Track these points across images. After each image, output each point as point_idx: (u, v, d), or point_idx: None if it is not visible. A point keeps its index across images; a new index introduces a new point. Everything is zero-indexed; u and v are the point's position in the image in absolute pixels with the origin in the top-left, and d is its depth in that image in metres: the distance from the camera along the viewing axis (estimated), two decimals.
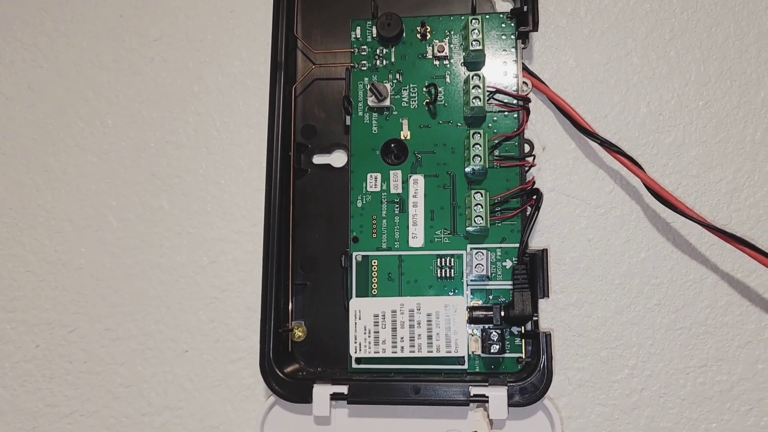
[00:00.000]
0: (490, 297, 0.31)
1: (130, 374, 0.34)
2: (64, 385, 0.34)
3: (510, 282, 0.31)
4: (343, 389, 0.30)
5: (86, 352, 0.34)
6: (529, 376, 0.29)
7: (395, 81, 0.33)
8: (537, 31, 0.32)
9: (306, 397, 0.30)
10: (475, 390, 0.29)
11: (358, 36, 0.34)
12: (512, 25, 0.33)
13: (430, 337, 0.31)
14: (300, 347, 0.33)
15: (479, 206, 0.30)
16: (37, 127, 0.36)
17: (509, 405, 0.29)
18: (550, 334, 0.30)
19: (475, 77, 0.31)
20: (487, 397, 0.29)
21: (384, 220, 0.32)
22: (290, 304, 0.33)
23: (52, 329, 0.35)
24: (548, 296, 0.30)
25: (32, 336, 0.35)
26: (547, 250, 0.30)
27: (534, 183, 0.32)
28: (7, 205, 0.36)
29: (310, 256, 0.33)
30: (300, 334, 0.33)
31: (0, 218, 0.36)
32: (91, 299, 0.35)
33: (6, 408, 0.34)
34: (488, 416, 0.29)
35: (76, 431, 0.34)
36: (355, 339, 0.31)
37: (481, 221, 0.30)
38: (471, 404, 0.29)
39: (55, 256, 0.35)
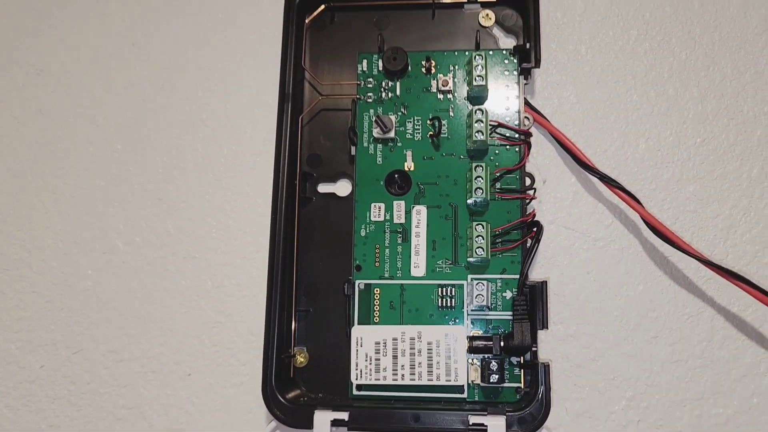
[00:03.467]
0: (490, 327, 0.32)
1: (132, 396, 0.34)
2: (66, 406, 0.35)
3: (510, 312, 0.32)
4: (344, 416, 0.31)
5: (90, 374, 0.35)
6: (527, 406, 0.30)
7: (400, 113, 0.34)
8: (539, 67, 0.33)
9: (307, 423, 0.31)
10: (474, 419, 0.30)
11: (365, 69, 0.35)
12: (515, 61, 0.34)
13: (430, 366, 0.31)
14: (302, 373, 0.33)
15: (480, 237, 0.31)
16: (47, 150, 0.37)
17: None
18: (548, 365, 0.30)
19: (477, 111, 0.32)
20: (486, 426, 0.29)
21: (387, 250, 0.33)
22: (293, 329, 0.33)
23: (56, 350, 0.35)
24: (547, 328, 0.31)
25: (37, 356, 0.35)
26: (546, 282, 0.31)
27: (534, 215, 0.32)
28: (15, 227, 0.36)
29: (313, 283, 0.34)
30: (302, 360, 0.33)
31: (8, 239, 0.36)
32: (95, 321, 0.35)
33: (9, 427, 0.35)
34: None
35: None
36: (357, 366, 0.32)
37: (482, 252, 0.31)
38: None
39: (61, 278, 0.36)
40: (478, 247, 0.31)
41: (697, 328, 0.33)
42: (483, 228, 0.31)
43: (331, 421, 0.31)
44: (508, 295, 0.32)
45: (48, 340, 0.35)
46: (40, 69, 0.38)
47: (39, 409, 0.35)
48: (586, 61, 0.35)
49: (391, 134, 0.33)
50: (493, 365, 0.31)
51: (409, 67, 0.34)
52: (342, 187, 0.34)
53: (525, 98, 0.34)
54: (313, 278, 0.34)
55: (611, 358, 0.33)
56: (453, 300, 0.32)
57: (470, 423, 0.30)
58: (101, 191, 0.36)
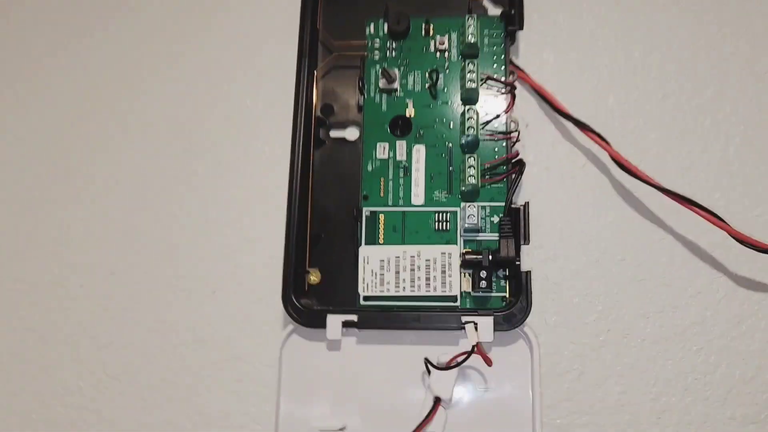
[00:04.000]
0: (480, 246, 0.37)
1: (164, 311, 0.39)
2: (105, 321, 0.39)
3: (497, 234, 0.37)
4: (354, 317, 0.35)
5: (125, 292, 0.39)
6: (512, 308, 0.35)
7: (403, 68, 0.39)
8: (522, 29, 0.39)
9: (321, 324, 0.35)
10: (466, 318, 0.34)
11: (372, 31, 0.40)
12: (502, 25, 0.39)
13: (428, 279, 0.36)
14: (315, 289, 0.38)
15: (472, 168, 0.36)
16: (91, 101, 0.42)
17: (495, 330, 0.34)
18: (530, 272, 0.35)
19: (470, 64, 0.38)
20: (477, 323, 0.34)
21: (390, 182, 0.38)
22: (308, 251, 0.38)
23: (95, 271, 0.40)
24: (528, 243, 0.36)
25: (78, 277, 0.40)
26: (528, 203, 0.36)
27: (518, 154, 0.38)
28: (63, 167, 0.41)
29: (326, 212, 0.38)
30: (315, 278, 0.38)
31: (55, 177, 0.41)
32: (132, 248, 0.40)
33: (51, 339, 0.39)
34: (478, 336, 0.34)
35: (114, 360, 0.38)
36: (364, 280, 0.36)
37: (473, 180, 0.36)
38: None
39: (101, 210, 0.40)
40: (470, 176, 0.36)
41: (659, 251, 0.38)
42: (474, 160, 0.36)
43: (343, 322, 0.35)
44: (496, 219, 0.37)
45: (88, 262, 0.40)
46: (99, 48, 0.43)
47: (79, 322, 0.39)
48: (563, 27, 0.41)
49: (395, 86, 0.39)
50: (483, 274, 0.35)
51: (411, 30, 0.40)
52: (351, 133, 0.39)
53: (510, 57, 0.39)
54: (326, 208, 0.38)
55: (584, 277, 0.38)
56: (448, 224, 0.37)
57: (463, 321, 0.34)
58: (137, 135, 0.41)
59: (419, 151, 0.38)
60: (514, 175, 0.37)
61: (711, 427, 0.36)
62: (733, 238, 0.35)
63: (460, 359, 0.33)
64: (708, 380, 0.36)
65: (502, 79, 0.38)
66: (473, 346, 0.32)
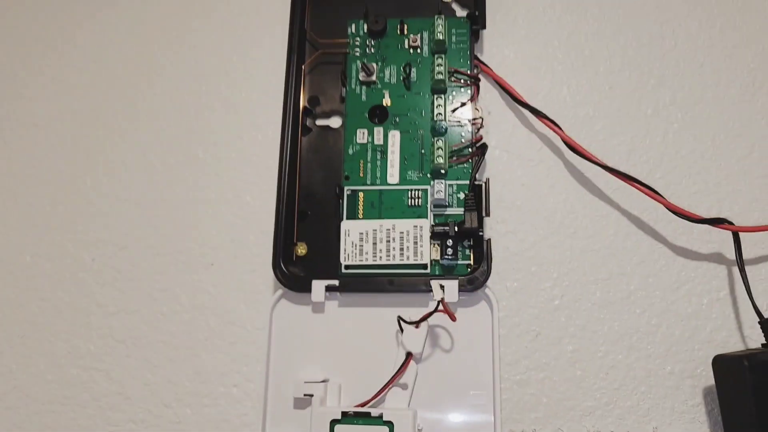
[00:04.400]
0: (448, 219, 0.41)
1: (166, 281, 0.43)
2: (113, 290, 0.43)
3: (462, 208, 0.41)
4: (336, 282, 0.40)
5: (132, 265, 0.44)
6: (474, 272, 0.39)
7: (380, 63, 0.44)
8: (485, 28, 0.43)
9: (306, 288, 0.40)
10: (434, 281, 0.39)
11: (354, 30, 0.45)
12: (467, 25, 0.44)
13: (402, 249, 0.41)
14: (302, 260, 0.42)
15: (440, 150, 0.41)
16: (102, 93, 0.47)
17: (459, 291, 0.39)
18: (490, 240, 0.40)
19: (439, 59, 0.42)
20: (444, 285, 0.39)
21: (369, 164, 0.43)
22: (295, 226, 0.42)
23: (105, 246, 0.44)
24: (489, 215, 0.40)
25: (89, 252, 0.44)
26: (489, 179, 0.41)
27: (482, 138, 0.42)
28: (74, 153, 0.46)
29: (312, 191, 0.43)
30: (302, 250, 0.42)
31: (68, 162, 0.45)
32: (138, 225, 0.44)
33: (64, 308, 0.43)
34: (443, 292, 0.38)
35: (121, 326, 0.43)
36: (345, 251, 0.41)
37: (441, 160, 0.41)
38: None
39: (110, 192, 0.45)
40: (438, 157, 0.41)
41: (607, 225, 0.42)
42: (442, 143, 0.41)
43: (326, 286, 0.40)
44: (461, 195, 0.41)
45: (99, 239, 0.44)
46: (105, 46, 0.48)
47: (90, 293, 0.43)
48: (522, 27, 0.46)
49: (374, 78, 0.44)
50: (449, 243, 0.40)
51: (388, 29, 0.44)
52: (334, 121, 0.44)
53: (475, 54, 0.44)
54: (312, 188, 0.43)
55: (541, 248, 0.42)
56: (419, 200, 0.42)
57: (431, 282, 0.39)
58: (144, 125, 0.46)
59: (395, 136, 0.43)
60: (477, 157, 0.42)
61: (653, 381, 0.40)
62: (670, 211, 0.40)
63: (427, 315, 0.37)
64: (650, 339, 0.41)
65: (468, 72, 0.43)
66: (438, 302, 0.37)
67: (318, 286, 0.40)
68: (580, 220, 0.43)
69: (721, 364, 0.38)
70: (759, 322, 0.38)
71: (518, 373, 0.41)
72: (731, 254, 0.40)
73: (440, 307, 0.37)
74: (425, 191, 0.42)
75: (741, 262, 0.39)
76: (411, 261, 0.40)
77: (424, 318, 0.37)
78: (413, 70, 0.44)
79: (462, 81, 0.43)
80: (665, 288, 0.41)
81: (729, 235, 0.40)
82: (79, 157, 0.46)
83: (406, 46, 0.44)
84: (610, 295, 0.41)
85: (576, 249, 0.42)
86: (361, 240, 0.41)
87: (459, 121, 0.43)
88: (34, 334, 0.43)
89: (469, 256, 0.41)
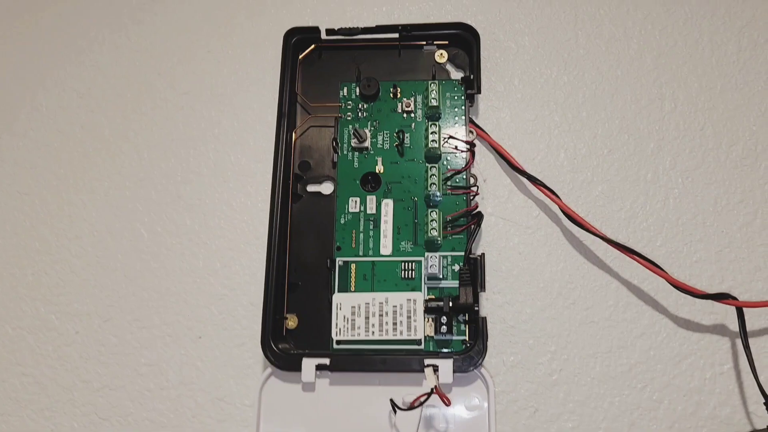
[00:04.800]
0: (442, 293, 0.40)
1: (152, 356, 0.42)
2: (97, 365, 0.42)
3: (457, 281, 0.40)
4: (327, 361, 0.39)
5: (117, 338, 0.42)
6: (469, 351, 0.38)
7: (372, 128, 0.43)
8: (480, 93, 0.42)
9: (296, 367, 0.39)
10: (428, 361, 0.38)
11: (345, 94, 0.44)
12: (462, 88, 0.43)
13: (395, 324, 0.39)
14: (292, 334, 0.41)
15: (434, 221, 0.40)
16: (86, 158, 0.45)
17: (454, 371, 0.37)
18: (485, 318, 0.38)
19: (432, 126, 0.41)
20: (438, 365, 0.37)
21: (361, 234, 0.41)
22: (285, 299, 0.41)
23: (90, 319, 0.43)
24: (485, 290, 0.39)
25: (73, 324, 0.43)
26: (484, 254, 0.40)
27: (477, 207, 0.41)
28: (58, 219, 0.44)
29: (302, 262, 0.42)
30: (292, 323, 0.41)
31: (52, 230, 0.44)
32: (123, 295, 0.43)
33: (47, 383, 0.42)
34: (437, 378, 0.37)
35: (105, 402, 0.41)
36: (336, 325, 0.40)
37: (435, 233, 0.40)
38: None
39: (95, 260, 0.44)
40: (432, 229, 0.40)
41: (606, 296, 0.41)
42: (436, 214, 0.40)
43: (316, 365, 0.39)
44: (456, 268, 0.40)
45: (83, 311, 0.43)
46: (81, 93, 0.47)
47: (74, 367, 0.42)
48: (518, 90, 0.45)
49: (366, 144, 0.42)
50: (444, 319, 0.39)
51: (380, 93, 0.43)
52: (326, 187, 0.43)
53: (470, 117, 0.43)
54: (303, 258, 0.42)
55: (538, 320, 0.41)
56: (413, 272, 0.40)
57: (426, 363, 0.38)
58: (130, 191, 0.45)
59: (387, 205, 0.42)
60: (473, 226, 0.41)
61: None
62: (673, 285, 0.39)
63: (421, 400, 0.36)
64: (652, 416, 0.39)
65: (463, 137, 0.42)
66: (432, 388, 0.36)
67: (308, 364, 0.39)
68: (579, 291, 0.41)
69: None
70: (764, 403, 0.37)
71: None
72: (735, 327, 0.39)
73: (434, 391, 0.36)
74: (419, 263, 0.41)
75: (745, 339, 0.38)
76: (404, 336, 0.39)
77: (418, 404, 0.36)
78: (407, 136, 0.43)
79: (457, 147, 0.42)
80: (667, 361, 0.40)
81: (732, 307, 0.39)
82: (63, 225, 0.44)
83: (399, 110, 0.43)
84: (610, 369, 0.40)
85: (574, 321, 0.41)
86: (353, 314, 0.40)
87: (454, 189, 0.41)
88: (16, 411, 0.42)
89: (465, 331, 0.40)
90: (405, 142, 0.42)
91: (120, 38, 0.48)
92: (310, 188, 0.43)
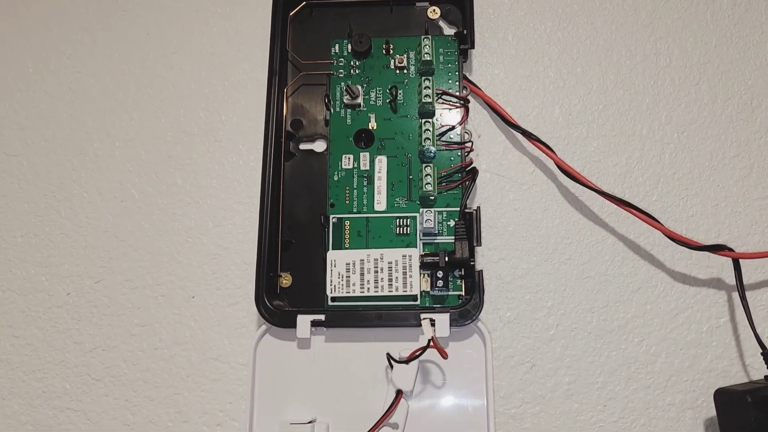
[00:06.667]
0: (438, 248, 0.40)
1: (145, 316, 0.41)
2: (89, 326, 0.41)
3: (452, 237, 0.40)
4: (321, 317, 0.38)
5: (109, 299, 0.42)
6: (466, 305, 0.38)
7: (365, 85, 0.42)
8: (474, 48, 0.42)
9: (291, 324, 0.38)
10: (424, 315, 0.37)
11: (337, 51, 0.43)
12: (455, 44, 0.42)
13: (390, 280, 0.39)
14: (286, 292, 0.40)
15: (429, 176, 0.39)
16: (75, 120, 0.45)
17: (451, 325, 0.37)
18: (482, 271, 0.38)
19: (426, 81, 0.41)
20: (435, 319, 0.37)
21: (355, 191, 0.41)
22: (279, 257, 0.41)
23: (81, 280, 0.42)
24: (480, 244, 0.39)
25: (64, 285, 0.42)
26: (479, 207, 0.39)
27: (472, 162, 0.41)
28: (47, 181, 0.44)
29: (296, 220, 0.41)
30: (286, 281, 0.40)
31: (42, 191, 0.44)
32: (115, 256, 0.42)
33: (39, 345, 0.41)
34: (434, 331, 0.36)
35: (98, 363, 0.41)
36: (331, 282, 0.39)
37: (430, 188, 0.39)
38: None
39: (85, 221, 0.43)
40: (426, 184, 0.39)
41: (602, 251, 0.41)
42: (431, 169, 0.40)
43: (311, 321, 0.38)
44: (451, 223, 0.40)
45: (74, 272, 0.42)
46: (69, 54, 0.46)
47: (65, 329, 0.41)
48: (512, 46, 0.44)
49: (359, 101, 0.42)
50: (439, 274, 0.39)
51: (372, 49, 0.43)
52: (318, 145, 0.42)
53: (464, 74, 0.42)
54: (296, 215, 0.41)
55: (534, 275, 0.41)
56: (408, 228, 0.40)
57: (422, 317, 0.37)
58: (120, 152, 0.44)
59: (381, 162, 0.41)
60: (468, 182, 0.40)
61: (653, 413, 0.39)
62: (669, 238, 0.39)
63: (418, 353, 0.36)
64: (649, 369, 0.39)
65: (457, 93, 0.42)
66: (429, 341, 0.35)
67: (303, 321, 0.38)
68: (575, 246, 0.41)
69: (724, 397, 0.36)
70: (762, 354, 0.37)
71: (513, 407, 0.39)
72: (731, 280, 0.39)
73: (431, 344, 0.35)
74: (414, 219, 0.40)
75: (742, 290, 0.38)
76: (400, 292, 0.39)
77: (415, 356, 0.36)
78: (400, 92, 0.42)
79: (451, 103, 0.42)
80: (664, 315, 0.40)
81: (729, 260, 0.39)
82: (52, 186, 0.44)
83: (392, 67, 0.43)
84: (606, 323, 0.40)
85: (571, 276, 0.41)
86: (347, 271, 0.39)
87: (448, 145, 0.41)
88: (7, 373, 0.41)
89: (461, 286, 0.39)
90: (398, 98, 0.42)
91: None
92: (303, 146, 0.42)
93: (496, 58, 0.44)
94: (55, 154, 0.44)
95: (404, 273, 0.39)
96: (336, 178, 0.41)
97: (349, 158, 0.41)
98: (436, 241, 0.40)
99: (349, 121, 0.42)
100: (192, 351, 0.41)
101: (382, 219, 0.40)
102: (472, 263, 0.39)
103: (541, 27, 0.44)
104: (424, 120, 0.41)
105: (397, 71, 0.43)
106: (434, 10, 0.43)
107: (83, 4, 0.47)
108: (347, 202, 0.41)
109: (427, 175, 0.39)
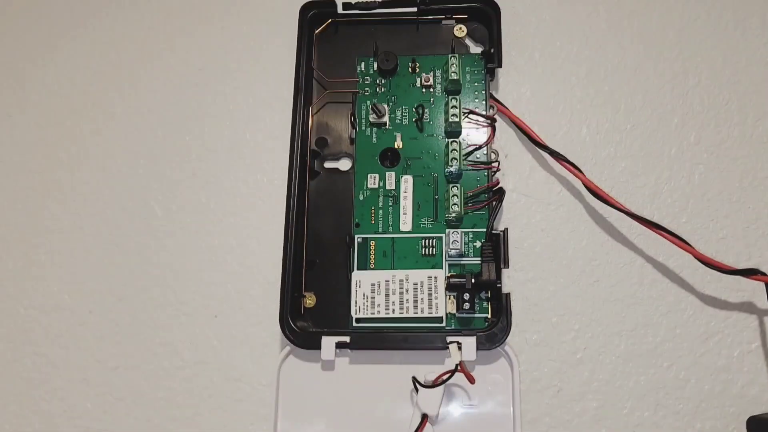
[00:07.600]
0: (464, 270, 0.39)
1: (167, 335, 0.41)
2: (111, 344, 0.41)
3: (479, 258, 0.39)
4: (346, 339, 0.38)
5: (131, 317, 0.41)
6: (493, 328, 0.37)
7: (391, 103, 0.42)
8: (501, 67, 0.41)
9: (316, 345, 0.38)
10: (450, 338, 0.37)
11: (363, 69, 0.43)
12: (482, 62, 0.42)
13: (416, 302, 0.38)
14: (310, 313, 0.40)
15: (456, 197, 0.39)
16: (99, 136, 0.45)
17: (477, 349, 0.37)
18: (509, 294, 0.38)
19: (453, 100, 0.40)
20: (461, 342, 0.37)
21: (380, 210, 0.41)
22: (303, 276, 0.40)
23: (103, 298, 0.42)
24: (508, 266, 0.38)
25: (87, 303, 0.42)
26: (507, 229, 0.39)
27: (498, 182, 0.40)
28: (71, 198, 0.44)
29: (320, 239, 0.41)
30: (310, 301, 0.40)
31: (65, 208, 0.43)
32: (137, 274, 0.42)
33: (60, 363, 0.41)
34: (461, 355, 0.36)
35: (120, 382, 0.41)
36: (356, 303, 0.39)
37: (457, 208, 0.39)
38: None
39: (109, 239, 0.43)
40: (453, 205, 0.39)
41: (630, 273, 0.40)
42: (458, 190, 0.39)
43: (336, 343, 0.38)
44: (478, 244, 0.39)
45: (96, 290, 0.42)
46: (94, 70, 0.46)
47: (87, 347, 0.41)
48: (539, 64, 0.44)
49: (385, 119, 0.42)
50: (466, 296, 0.38)
51: (398, 68, 0.43)
52: (343, 164, 0.42)
53: (490, 93, 0.42)
54: (321, 235, 0.41)
55: (561, 297, 0.40)
56: (434, 249, 0.40)
57: (448, 341, 0.37)
58: (144, 169, 0.44)
59: (407, 181, 0.41)
60: (495, 203, 0.40)
61: None
62: (700, 261, 0.38)
63: (444, 377, 0.35)
64: (678, 395, 0.39)
65: (483, 112, 0.41)
66: (456, 365, 0.35)
67: (328, 343, 0.38)
68: (603, 268, 0.40)
69: (757, 427, 0.36)
70: None
71: (539, 431, 0.38)
72: (763, 304, 0.39)
73: (458, 369, 0.35)
74: (440, 239, 0.40)
75: None
76: (425, 314, 0.38)
77: (442, 381, 0.35)
78: (426, 111, 0.42)
79: (477, 122, 0.41)
80: (693, 340, 0.39)
81: (761, 283, 0.38)
82: (76, 203, 0.44)
83: (418, 85, 0.42)
84: (635, 347, 0.39)
85: (599, 298, 0.40)
86: (372, 292, 0.39)
87: (475, 165, 0.40)
88: (29, 392, 0.41)
89: (487, 308, 0.39)
90: (424, 117, 0.42)
91: (133, 14, 0.47)
92: (328, 165, 0.42)
93: (523, 77, 0.44)
94: (80, 171, 0.44)
95: (430, 294, 0.38)
96: (361, 198, 0.41)
97: (374, 177, 0.41)
98: (461, 262, 0.39)
99: (374, 139, 0.42)
100: (214, 371, 0.40)
101: (408, 239, 0.40)
102: (499, 285, 0.38)
103: (568, 46, 0.44)
104: (450, 140, 0.40)
105: (423, 90, 0.42)
106: (461, 29, 0.43)
107: (108, 17, 0.47)
108: (372, 222, 0.40)
109: (453, 195, 0.39)
